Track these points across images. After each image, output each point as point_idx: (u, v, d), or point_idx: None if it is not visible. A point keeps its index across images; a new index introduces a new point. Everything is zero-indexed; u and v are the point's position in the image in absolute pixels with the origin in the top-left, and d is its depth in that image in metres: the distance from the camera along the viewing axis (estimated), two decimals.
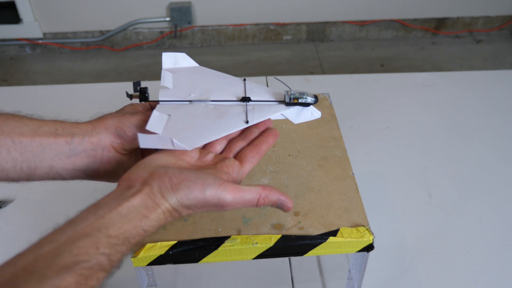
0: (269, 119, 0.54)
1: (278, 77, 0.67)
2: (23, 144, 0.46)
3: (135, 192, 0.42)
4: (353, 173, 0.64)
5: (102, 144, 0.49)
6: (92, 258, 0.37)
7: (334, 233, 0.56)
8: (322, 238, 0.56)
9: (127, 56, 2.37)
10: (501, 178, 0.91)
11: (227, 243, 0.55)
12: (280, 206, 0.48)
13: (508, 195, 0.88)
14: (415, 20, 2.41)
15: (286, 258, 0.77)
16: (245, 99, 0.54)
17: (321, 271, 0.76)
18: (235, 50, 2.37)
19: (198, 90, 0.56)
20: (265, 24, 2.38)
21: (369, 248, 0.57)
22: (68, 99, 1.09)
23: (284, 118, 0.55)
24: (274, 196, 0.47)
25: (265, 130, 0.53)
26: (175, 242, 0.55)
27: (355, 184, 0.63)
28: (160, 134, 0.48)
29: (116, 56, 2.37)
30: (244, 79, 0.58)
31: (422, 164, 0.93)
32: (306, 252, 0.57)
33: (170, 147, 0.48)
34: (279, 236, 0.56)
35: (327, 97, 0.78)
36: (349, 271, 0.68)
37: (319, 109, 0.75)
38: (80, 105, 1.04)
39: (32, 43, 2.34)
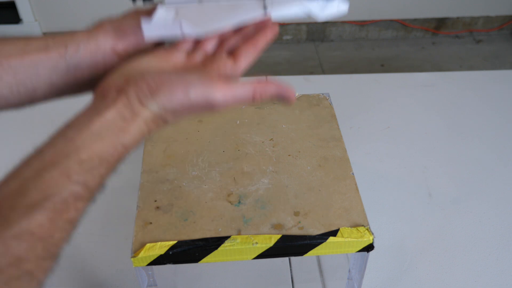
0: (268, 19, 0.46)
1: None
2: (12, 65, 0.42)
3: (109, 103, 0.37)
4: (353, 173, 0.64)
5: (102, 50, 0.44)
6: (64, 189, 0.33)
7: (334, 233, 0.56)
8: (322, 238, 0.56)
9: None
10: (501, 178, 0.91)
11: (227, 243, 0.55)
12: (281, 98, 0.43)
13: (508, 195, 0.88)
14: (415, 20, 2.41)
15: (286, 258, 0.77)
16: None
17: (321, 271, 0.76)
18: None
19: None
20: None
21: (369, 248, 0.57)
22: (68, 99, 1.09)
23: (306, 15, 0.48)
24: (272, 89, 0.43)
25: (262, 24, 0.46)
26: (175, 242, 0.55)
27: (355, 184, 0.63)
28: (168, 23, 0.43)
29: None
30: None
31: (422, 164, 0.93)
32: (306, 252, 0.57)
33: (178, 33, 0.42)
34: (279, 236, 0.56)
35: (327, 97, 0.78)
36: (349, 271, 0.68)
37: (319, 108, 0.75)
38: (80, 105, 1.04)
39: None
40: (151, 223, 0.58)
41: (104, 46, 0.44)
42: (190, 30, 0.42)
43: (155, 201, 0.61)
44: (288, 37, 2.43)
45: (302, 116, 0.74)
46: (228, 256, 0.56)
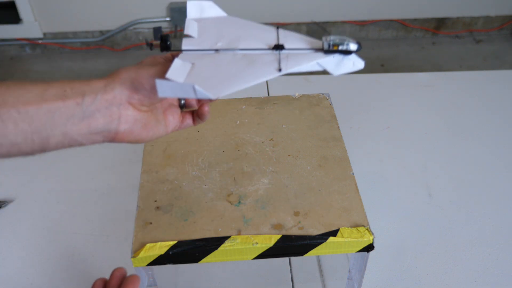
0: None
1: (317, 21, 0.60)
2: (30, 113, 0.41)
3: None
4: (353, 173, 0.64)
5: (118, 101, 0.44)
6: None
7: (334, 233, 0.56)
8: (322, 238, 0.56)
9: (127, 56, 2.37)
10: (501, 178, 0.91)
11: (227, 243, 0.55)
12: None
13: (508, 195, 0.88)
14: (415, 20, 2.41)
15: (286, 258, 0.77)
16: (278, 47, 0.48)
17: (321, 271, 0.76)
18: None
19: (225, 38, 0.50)
20: (265, 24, 2.37)
21: (369, 248, 0.57)
22: None
23: (321, 69, 0.48)
24: None
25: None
26: (175, 242, 0.55)
27: (355, 184, 0.63)
28: (184, 82, 0.43)
29: (116, 56, 2.37)
30: (277, 27, 0.52)
31: (422, 164, 0.93)
32: (306, 252, 0.57)
33: (191, 95, 0.43)
34: (279, 236, 0.56)
35: (327, 97, 0.78)
36: (349, 271, 0.68)
37: (319, 108, 0.75)
38: None
39: (32, 43, 2.34)
40: (151, 223, 0.58)
41: (120, 98, 0.44)
42: (202, 93, 0.42)
43: (155, 201, 0.61)
44: None
45: (302, 116, 0.74)
46: (228, 256, 0.56)
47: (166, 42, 0.48)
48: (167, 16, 2.30)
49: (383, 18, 2.39)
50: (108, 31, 2.33)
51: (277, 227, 0.57)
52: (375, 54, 2.37)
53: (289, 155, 0.67)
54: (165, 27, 2.34)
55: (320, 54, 0.47)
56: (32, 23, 2.25)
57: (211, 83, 0.43)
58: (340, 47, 0.47)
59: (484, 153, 0.96)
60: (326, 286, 0.75)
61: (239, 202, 0.60)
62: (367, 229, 0.57)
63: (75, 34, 2.34)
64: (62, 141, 0.43)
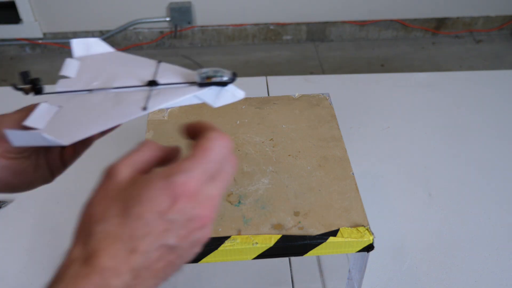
0: None
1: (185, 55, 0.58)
2: None
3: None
4: (353, 173, 0.64)
5: None
6: None
7: (334, 233, 0.56)
8: (322, 238, 0.56)
9: None
10: (501, 178, 0.91)
11: (227, 243, 0.55)
12: None
13: (508, 195, 0.88)
14: (415, 20, 2.41)
15: (286, 258, 0.77)
16: (151, 83, 0.46)
17: (321, 271, 0.76)
18: (235, 50, 2.37)
19: (102, 77, 0.49)
20: (265, 24, 2.38)
21: (369, 248, 0.57)
22: None
23: (201, 101, 0.47)
24: None
25: None
26: None
27: (355, 184, 0.63)
28: (32, 130, 0.42)
29: None
30: (159, 62, 0.51)
31: (422, 164, 0.93)
32: (306, 252, 0.57)
33: (43, 143, 0.42)
34: (279, 236, 0.56)
35: (327, 97, 0.78)
36: (349, 271, 0.68)
37: (319, 108, 0.75)
38: None
39: (32, 43, 2.34)
40: None
41: None
42: (53, 141, 0.41)
43: None
44: (288, 37, 2.44)
45: (302, 116, 0.74)
46: (228, 256, 0.56)
47: (35, 85, 0.46)
48: (167, 16, 2.30)
49: (383, 18, 2.39)
50: (108, 31, 2.33)
51: (277, 227, 0.57)
52: (375, 54, 2.37)
53: (289, 155, 0.67)
54: (165, 27, 2.34)
55: (195, 87, 0.46)
56: (32, 23, 2.26)
57: (68, 129, 0.43)
58: (214, 79, 0.45)
59: (484, 153, 0.96)
60: (326, 286, 0.75)
61: (239, 202, 0.60)
62: (367, 229, 0.57)
63: (75, 34, 2.34)
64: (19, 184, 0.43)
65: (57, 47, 2.37)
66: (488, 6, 2.39)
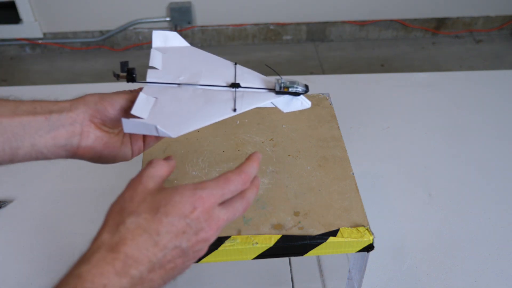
0: None
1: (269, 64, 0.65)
2: (3, 125, 0.45)
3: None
4: (353, 173, 0.64)
5: (81, 119, 0.48)
6: None
7: (334, 233, 0.56)
8: (322, 238, 0.56)
9: (127, 56, 2.37)
10: (501, 178, 0.91)
11: (227, 243, 0.55)
12: None
13: (508, 195, 0.88)
14: (415, 20, 2.41)
15: (286, 258, 0.77)
16: (235, 85, 0.53)
17: (321, 271, 0.76)
18: (235, 50, 2.37)
19: (187, 72, 0.54)
20: (265, 24, 2.37)
21: (369, 248, 0.57)
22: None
23: (273, 106, 0.54)
24: None
25: None
26: None
27: (355, 184, 0.63)
28: (144, 120, 0.47)
29: (116, 56, 2.37)
30: (235, 64, 0.57)
31: (422, 164, 0.93)
32: (306, 252, 0.57)
33: (154, 133, 0.47)
34: (279, 236, 0.56)
35: (327, 97, 0.78)
36: (349, 271, 0.68)
37: (319, 108, 0.75)
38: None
39: (32, 43, 2.34)
40: None
41: (83, 116, 0.49)
42: (163, 133, 0.46)
43: None
44: (288, 37, 2.44)
45: (302, 116, 0.74)
46: (228, 256, 0.56)
47: (132, 74, 0.52)
48: (167, 16, 2.30)
49: (383, 18, 2.39)
50: (108, 31, 2.33)
51: (277, 227, 0.57)
52: (375, 54, 2.37)
53: (289, 155, 0.67)
54: (165, 27, 2.34)
55: (272, 94, 0.53)
56: (32, 23, 2.26)
57: (172, 122, 0.48)
58: (290, 90, 0.53)
59: (484, 153, 0.96)
60: (326, 286, 0.75)
61: None
62: (367, 229, 0.57)
63: (75, 34, 2.34)
64: (29, 152, 0.47)
65: (57, 47, 2.37)
66: (488, 6, 2.39)
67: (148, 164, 0.46)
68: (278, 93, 0.53)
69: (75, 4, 2.22)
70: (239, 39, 2.40)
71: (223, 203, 0.44)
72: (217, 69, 0.55)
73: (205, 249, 0.44)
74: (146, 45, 2.40)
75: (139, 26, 2.34)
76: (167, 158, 0.48)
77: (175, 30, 2.32)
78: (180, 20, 2.29)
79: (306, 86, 0.54)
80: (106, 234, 0.40)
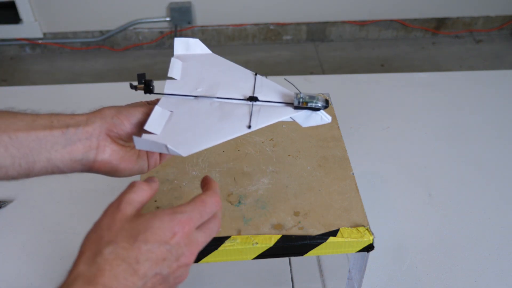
0: None
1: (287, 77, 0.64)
2: (20, 139, 0.45)
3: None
4: (353, 173, 0.64)
5: (97, 133, 0.48)
6: None
7: (334, 233, 0.56)
8: (322, 238, 0.56)
9: (127, 56, 2.37)
10: (501, 178, 0.91)
11: (227, 243, 0.55)
12: None
13: (508, 195, 0.88)
14: (415, 20, 2.41)
15: (286, 258, 0.77)
16: (252, 99, 0.52)
17: (321, 271, 0.76)
18: (235, 50, 2.37)
19: (206, 83, 0.53)
20: (265, 24, 2.37)
21: (369, 248, 0.57)
22: (68, 99, 1.09)
23: (292, 120, 0.53)
24: None
25: None
26: None
27: (355, 184, 0.63)
28: (155, 138, 0.47)
29: (116, 56, 2.37)
30: (256, 74, 0.56)
31: (422, 164, 0.93)
32: (306, 252, 0.57)
33: (164, 151, 0.47)
34: (279, 236, 0.56)
35: (327, 97, 0.78)
36: (349, 271, 0.68)
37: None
38: (80, 105, 1.04)
39: (32, 43, 2.34)
40: None
41: (100, 130, 0.48)
42: (173, 151, 0.46)
43: (155, 201, 0.61)
44: (288, 37, 2.43)
45: None
46: (228, 256, 0.56)
47: (149, 86, 0.52)
48: (167, 16, 2.30)
49: (383, 18, 2.39)
50: (108, 31, 2.33)
51: (277, 227, 0.57)
52: (375, 54, 2.37)
53: (289, 155, 0.67)
54: (165, 27, 2.34)
55: (290, 109, 0.52)
56: (32, 23, 2.26)
57: (184, 139, 0.47)
58: (309, 105, 0.51)
59: (484, 153, 0.96)
60: (326, 286, 0.75)
61: (239, 202, 0.60)
62: (367, 229, 0.57)
63: (75, 34, 2.34)
64: (45, 167, 0.47)
65: (57, 47, 2.37)
66: (488, 6, 2.39)
67: (128, 187, 0.45)
68: (297, 108, 0.52)
69: (75, 4, 2.22)
70: (239, 39, 2.40)
71: (199, 226, 0.44)
72: (236, 80, 0.54)
73: (186, 274, 0.43)
74: (146, 45, 2.40)
75: (139, 26, 2.34)
76: (149, 180, 0.47)
77: (175, 30, 2.32)
78: (180, 20, 2.29)
79: (326, 101, 0.52)
80: (83, 265, 0.38)
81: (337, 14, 2.37)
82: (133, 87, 0.53)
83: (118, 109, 0.50)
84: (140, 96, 0.54)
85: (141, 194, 0.44)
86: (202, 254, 0.56)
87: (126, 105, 0.51)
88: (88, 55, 2.36)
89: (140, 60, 2.34)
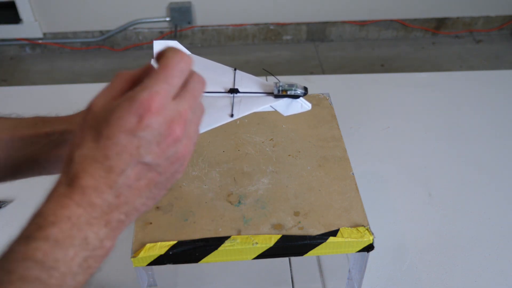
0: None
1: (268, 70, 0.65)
2: (5, 141, 0.45)
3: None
4: (353, 173, 0.64)
5: None
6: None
7: (334, 233, 0.56)
8: (322, 238, 0.56)
9: (127, 56, 2.37)
10: (501, 178, 0.91)
11: (227, 243, 0.55)
12: None
13: (508, 195, 0.88)
14: (415, 20, 2.41)
15: (286, 258, 0.77)
16: (233, 91, 0.53)
17: (321, 271, 0.76)
18: (235, 50, 2.37)
19: None
20: (265, 24, 2.38)
21: (369, 248, 0.57)
22: (68, 99, 1.09)
23: (273, 110, 0.54)
24: None
25: None
26: (175, 242, 0.55)
27: (355, 184, 0.63)
28: None
29: (116, 56, 2.37)
30: (235, 69, 0.57)
31: (422, 164, 0.93)
32: (306, 252, 0.57)
33: None
34: (279, 236, 0.56)
35: (327, 97, 0.78)
36: (349, 271, 0.68)
37: (319, 108, 0.75)
38: (80, 105, 1.04)
39: (32, 43, 2.34)
40: (151, 223, 0.58)
41: None
42: None
43: None
44: (288, 37, 2.44)
45: (302, 116, 0.73)
46: (228, 256, 0.56)
47: None
48: (167, 16, 2.30)
49: (383, 18, 2.39)
50: (108, 31, 2.33)
51: (277, 227, 0.57)
52: (375, 54, 2.37)
53: (289, 155, 0.67)
54: (165, 27, 2.34)
55: (271, 98, 0.53)
56: (32, 23, 2.26)
57: None
58: (289, 93, 0.53)
59: (484, 153, 0.96)
60: (326, 286, 0.75)
61: (239, 202, 0.60)
62: (367, 229, 0.57)
63: (75, 34, 2.34)
64: (32, 168, 0.47)
65: (57, 47, 2.37)
66: (488, 6, 2.39)
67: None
68: (277, 96, 0.53)
69: (75, 4, 2.22)
70: (239, 39, 2.40)
71: (176, 95, 0.37)
72: (217, 76, 0.56)
73: (184, 151, 0.38)
74: (146, 45, 2.40)
75: (139, 26, 2.34)
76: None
77: (175, 30, 2.32)
78: (180, 20, 2.29)
79: (305, 88, 0.54)
80: (61, 175, 0.37)
81: (337, 14, 2.37)
82: None
83: None
84: None
85: (116, 82, 0.38)
86: (202, 254, 0.56)
87: None
88: (88, 55, 2.36)
89: (140, 60, 2.34)
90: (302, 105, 0.54)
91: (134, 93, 0.35)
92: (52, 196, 0.36)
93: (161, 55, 0.39)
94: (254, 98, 0.53)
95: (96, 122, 0.36)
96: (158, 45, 0.58)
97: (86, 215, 0.35)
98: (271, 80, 0.55)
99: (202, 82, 0.40)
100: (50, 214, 0.36)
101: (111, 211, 0.36)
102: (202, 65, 0.57)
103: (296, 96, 0.53)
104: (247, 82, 0.55)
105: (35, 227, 0.36)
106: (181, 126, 0.37)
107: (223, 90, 0.53)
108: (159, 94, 0.35)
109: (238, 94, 0.53)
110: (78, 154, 0.36)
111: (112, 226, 0.36)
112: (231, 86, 0.54)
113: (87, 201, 0.35)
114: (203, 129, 0.49)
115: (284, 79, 0.54)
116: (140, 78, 0.38)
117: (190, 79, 0.39)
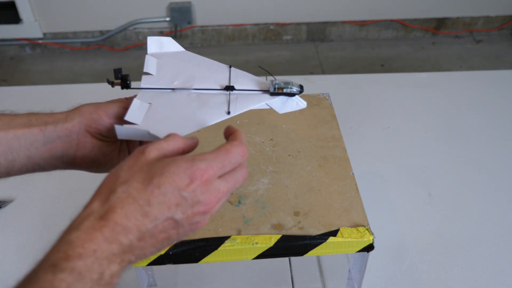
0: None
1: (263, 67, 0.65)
2: None
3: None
4: (353, 173, 0.64)
5: (77, 129, 0.48)
6: None
7: (334, 233, 0.56)
8: (322, 238, 0.56)
9: (127, 56, 2.37)
10: (501, 178, 0.91)
11: (227, 243, 0.55)
12: None
13: (508, 195, 0.88)
14: (415, 20, 2.41)
15: (286, 258, 0.77)
16: (229, 88, 0.53)
17: (321, 271, 0.76)
18: (235, 50, 2.37)
19: (181, 77, 0.54)
20: (265, 24, 2.37)
21: (369, 248, 0.57)
22: (68, 99, 1.09)
23: (269, 107, 0.54)
24: None
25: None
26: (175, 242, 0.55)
27: (355, 184, 0.63)
28: (137, 126, 0.47)
29: (116, 56, 2.37)
30: (230, 66, 0.57)
31: (422, 164, 0.93)
32: (306, 252, 0.57)
33: (147, 139, 0.47)
34: (279, 236, 0.56)
35: (327, 97, 0.78)
36: (349, 271, 0.68)
37: (319, 108, 0.75)
38: None
39: (32, 43, 2.34)
40: None
41: (79, 127, 0.49)
42: (156, 138, 0.46)
43: None
44: (288, 37, 2.43)
45: (302, 116, 0.74)
46: (228, 256, 0.56)
47: (126, 81, 0.52)
48: (167, 16, 2.30)
49: (383, 18, 2.39)
50: (108, 31, 2.33)
51: (277, 227, 0.57)
52: (375, 54, 2.37)
53: (289, 155, 0.67)
54: (165, 27, 2.34)
55: (267, 96, 0.53)
56: (32, 23, 2.26)
57: (165, 127, 0.48)
58: (285, 90, 0.53)
59: (484, 153, 0.96)
60: (326, 286, 0.75)
61: (239, 202, 0.60)
62: (367, 229, 0.57)
63: (75, 34, 2.34)
64: (26, 165, 0.48)
65: (57, 47, 2.37)
66: (488, 6, 2.39)
67: (165, 137, 0.44)
68: (273, 94, 0.53)
69: (75, 4, 2.22)
70: (239, 39, 2.40)
71: (222, 176, 0.42)
72: (212, 72, 0.55)
73: (203, 221, 0.42)
74: (146, 45, 2.39)
75: (139, 26, 2.34)
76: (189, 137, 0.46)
77: (175, 30, 2.32)
78: (180, 20, 2.29)
79: (301, 86, 0.54)
80: (97, 202, 0.39)
81: (337, 14, 2.37)
82: (110, 83, 0.53)
83: (97, 105, 0.50)
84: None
85: (172, 144, 0.43)
86: (202, 254, 0.56)
87: (104, 102, 0.52)
88: (88, 55, 2.36)
89: (140, 60, 2.34)
90: (297, 103, 0.54)
91: (194, 160, 0.40)
92: (82, 224, 0.38)
93: (230, 133, 0.46)
94: (250, 96, 0.53)
95: (148, 168, 0.40)
96: (152, 41, 0.58)
97: (108, 251, 0.37)
98: (269, 78, 0.54)
99: (245, 177, 0.45)
100: (79, 246, 0.37)
101: (129, 252, 0.38)
102: (196, 62, 0.57)
103: (292, 94, 0.53)
104: (242, 79, 0.55)
105: (63, 256, 0.38)
106: (215, 202, 0.41)
107: (218, 87, 0.53)
108: (213, 169, 0.41)
109: (234, 92, 0.53)
110: (122, 190, 0.39)
111: (123, 265, 0.38)
112: (226, 83, 0.53)
113: (115, 238, 0.37)
114: (201, 125, 0.49)
115: (282, 79, 0.54)
116: (191, 148, 0.45)
117: (238, 168, 0.44)
